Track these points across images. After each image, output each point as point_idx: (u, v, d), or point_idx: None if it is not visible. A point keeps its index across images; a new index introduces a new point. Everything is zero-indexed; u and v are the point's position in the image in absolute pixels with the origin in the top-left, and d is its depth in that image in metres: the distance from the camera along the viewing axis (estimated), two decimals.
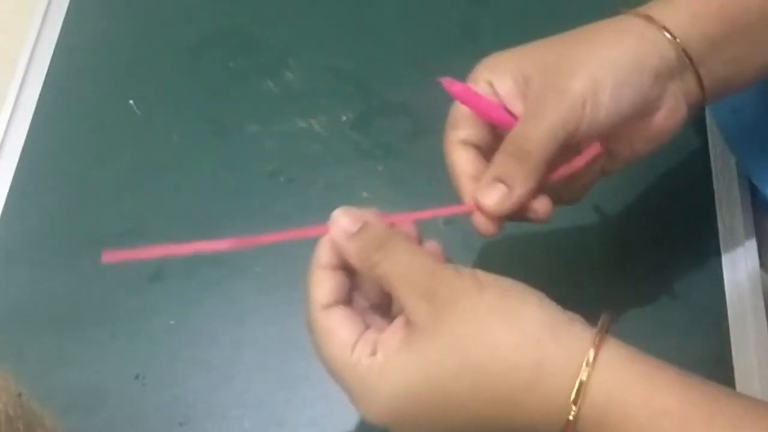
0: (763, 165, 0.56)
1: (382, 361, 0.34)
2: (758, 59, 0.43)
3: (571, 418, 0.32)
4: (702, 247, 0.57)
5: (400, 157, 0.62)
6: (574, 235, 0.58)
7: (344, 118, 0.64)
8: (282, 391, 0.53)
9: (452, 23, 0.68)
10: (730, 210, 0.59)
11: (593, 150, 0.42)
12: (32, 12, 0.71)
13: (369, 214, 0.38)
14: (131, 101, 0.66)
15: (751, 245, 0.57)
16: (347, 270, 0.38)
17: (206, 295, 0.57)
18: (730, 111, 0.58)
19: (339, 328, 0.36)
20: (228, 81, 0.66)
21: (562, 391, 0.32)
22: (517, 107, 0.42)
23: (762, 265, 0.57)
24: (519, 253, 0.57)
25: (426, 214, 0.42)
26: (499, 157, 0.41)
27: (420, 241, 0.40)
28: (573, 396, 0.32)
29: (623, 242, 0.58)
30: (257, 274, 0.57)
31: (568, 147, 0.41)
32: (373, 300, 0.39)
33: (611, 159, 0.45)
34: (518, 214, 0.42)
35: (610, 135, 0.43)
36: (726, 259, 0.56)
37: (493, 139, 0.44)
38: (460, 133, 0.44)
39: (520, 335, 0.33)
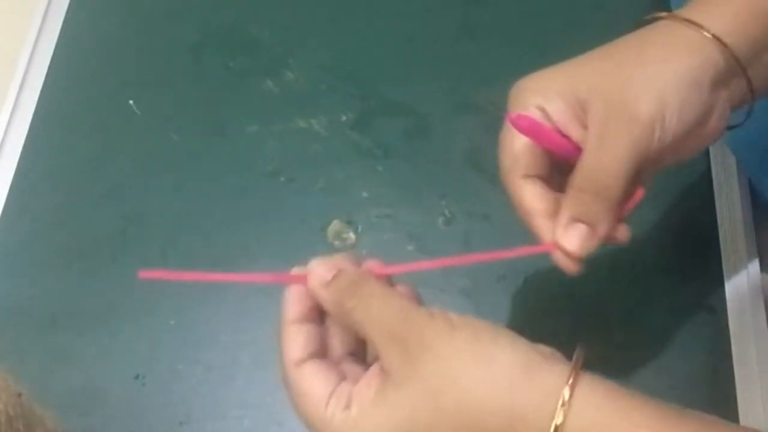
0: (763, 166, 0.56)
1: (357, 415, 0.33)
2: None
3: None
4: (702, 247, 0.57)
5: (400, 157, 0.62)
6: None
7: (344, 118, 0.64)
8: (282, 391, 0.53)
9: (452, 23, 0.68)
10: (730, 210, 0.59)
11: (639, 195, 0.41)
12: (32, 12, 0.71)
13: (344, 262, 0.37)
14: (131, 101, 0.66)
15: (752, 245, 0.57)
16: (319, 320, 0.37)
17: (206, 295, 0.57)
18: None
19: (312, 384, 0.35)
20: (228, 81, 0.66)
21: None
22: (573, 132, 0.41)
23: (762, 265, 0.57)
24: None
25: (505, 254, 0.40)
26: (576, 195, 0.40)
27: (392, 284, 0.39)
28: None
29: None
30: None
31: None
32: (349, 346, 0.38)
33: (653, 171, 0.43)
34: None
35: None
36: (726, 259, 0.56)
37: (552, 165, 0.42)
38: (523, 167, 0.41)
39: (493, 379, 0.32)
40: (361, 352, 0.38)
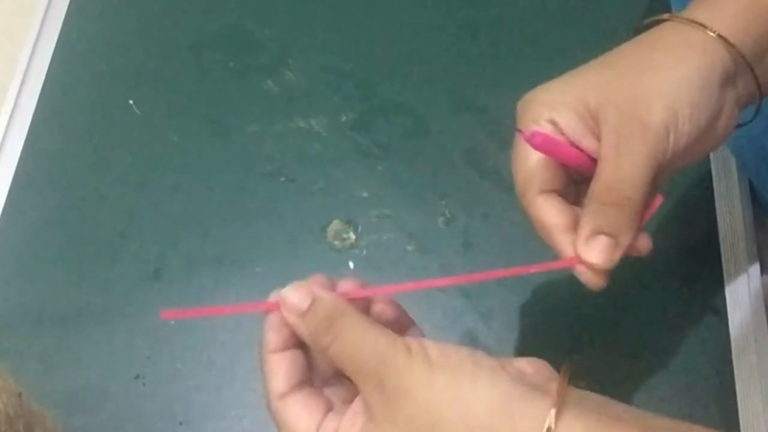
0: (763, 166, 0.56)
1: None
2: None
3: None
4: (702, 247, 0.57)
5: (400, 157, 0.62)
6: None
7: (344, 118, 0.64)
8: None
9: (452, 23, 0.68)
10: (730, 210, 0.59)
11: (657, 202, 0.41)
12: (32, 12, 0.71)
13: (318, 288, 0.35)
14: (131, 101, 0.66)
15: (752, 246, 0.57)
16: (300, 344, 0.36)
17: (206, 295, 0.57)
18: None
19: (297, 419, 0.34)
20: (228, 81, 0.66)
21: None
22: (586, 144, 0.40)
23: (762, 265, 0.57)
24: (518, 251, 0.57)
25: (524, 270, 0.39)
26: (596, 207, 0.39)
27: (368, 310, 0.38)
28: None
29: None
30: (257, 273, 0.57)
31: None
32: (331, 371, 0.37)
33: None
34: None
35: None
36: (726, 260, 0.57)
37: (567, 178, 0.42)
38: (539, 183, 0.41)
39: (471, 425, 0.31)
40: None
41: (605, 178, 0.39)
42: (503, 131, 0.62)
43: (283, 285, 0.57)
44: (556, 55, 0.65)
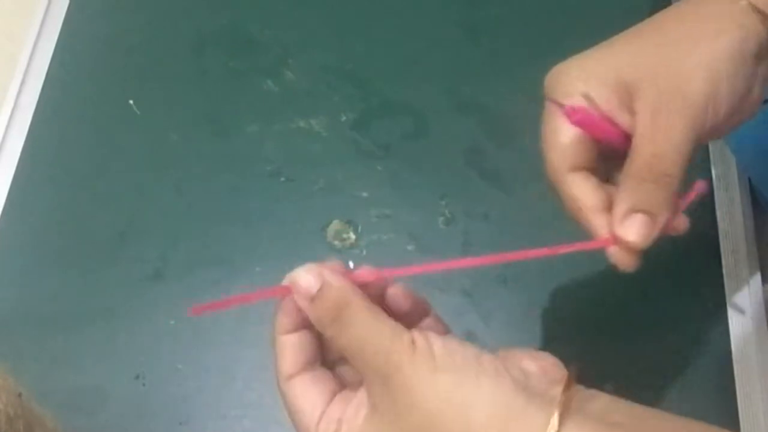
0: (763, 166, 0.56)
1: None
2: None
3: None
4: (702, 248, 0.57)
5: (400, 157, 0.62)
6: (570, 234, 0.58)
7: (344, 118, 0.64)
8: None
9: (452, 23, 0.68)
10: (730, 210, 0.59)
11: (700, 187, 0.40)
12: (32, 12, 0.71)
13: (329, 272, 0.34)
14: (131, 101, 0.66)
15: (751, 246, 0.57)
16: (312, 326, 0.35)
17: (206, 295, 0.57)
18: None
19: (303, 401, 0.34)
20: (228, 81, 0.66)
21: None
22: (620, 119, 0.39)
23: (762, 265, 0.57)
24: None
25: (560, 249, 0.38)
26: (634, 184, 0.38)
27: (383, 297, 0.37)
28: None
29: None
30: (257, 273, 0.57)
31: None
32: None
33: None
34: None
35: None
36: (726, 259, 0.56)
37: (599, 154, 0.41)
38: (571, 160, 0.40)
39: (472, 428, 0.31)
40: None
41: (643, 153, 0.38)
42: (503, 131, 0.62)
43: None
44: (557, 55, 0.65)
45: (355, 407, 0.34)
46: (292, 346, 0.35)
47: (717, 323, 0.54)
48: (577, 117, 0.38)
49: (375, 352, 0.33)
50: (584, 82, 0.39)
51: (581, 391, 0.33)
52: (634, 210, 0.38)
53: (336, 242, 0.59)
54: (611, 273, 0.56)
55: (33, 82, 0.67)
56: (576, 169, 0.40)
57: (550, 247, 0.38)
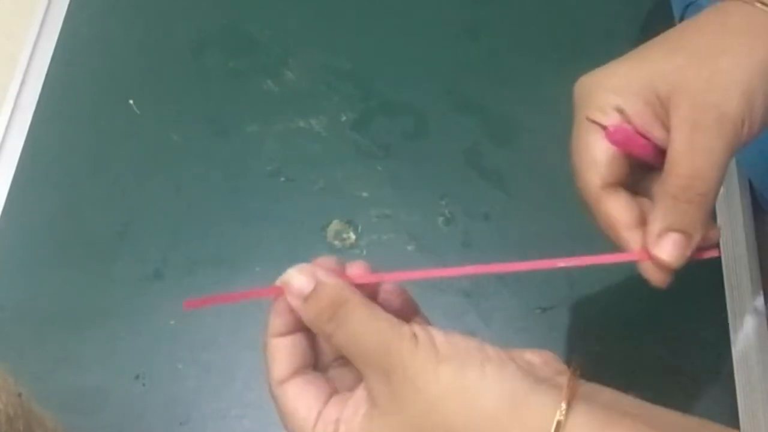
0: (763, 167, 0.56)
1: None
2: None
3: None
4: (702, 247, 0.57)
5: (400, 157, 0.62)
6: (570, 235, 0.58)
7: (344, 118, 0.64)
8: None
9: (452, 23, 0.68)
10: (730, 210, 0.59)
11: (713, 253, 0.40)
12: (32, 12, 0.71)
13: (322, 271, 0.34)
14: (131, 101, 0.66)
15: (751, 246, 0.57)
16: (304, 329, 0.35)
17: (206, 295, 0.57)
18: None
19: (297, 405, 0.34)
20: (228, 81, 0.66)
21: None
22: (655, 133, 0.39)
23: (762, 265, 0.57)
24: (518, 251, 0.57)
25: (589, 260, 0.38)
26: (670, 204, 0.38)
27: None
28: None
29: None
30: (257, 273, 0.57)
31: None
32: (336, 353, 0.36)
33: None
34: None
35: None
36: (726, 259, 0.56)
37: (631, 169, 0.40)
38: (604, 176, 0.39)
39: (478, 418, 0.30)
40: None
41: (680, 174, 0.37)
42: (503, 131, 0.62)
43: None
44: (556, 55, 0.65)
45: (353, 407, 0.33)
46: (285, 349, 0.35)
47: (717, 323, 0.54)
48: (616, 137, 0.38)
49: (375, 346, 0.32)
50: (617, 95, 0.39)
51: (586, 384, 0.33)
52: (669, 229, 0.38)
53: (336, 242, 0.59)
54: (611, 275, 0.56)
55: (33, 82, 0.67)
56: (609, 185, 0.40)
57: (578, 257, 0.38)
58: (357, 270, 0.36)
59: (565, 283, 0.56)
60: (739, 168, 0.60)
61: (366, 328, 0.33)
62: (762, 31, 0.38)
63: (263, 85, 0.66)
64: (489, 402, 0.31)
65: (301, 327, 0.35)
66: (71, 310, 0.57)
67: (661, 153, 0.38)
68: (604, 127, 0.38)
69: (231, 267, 0.58)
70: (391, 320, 0.33)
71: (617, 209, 0.39)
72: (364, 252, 0.58)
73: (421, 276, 0.37)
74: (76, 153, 0.64)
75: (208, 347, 0.55)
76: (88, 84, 0.67)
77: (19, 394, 0.36)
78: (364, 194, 0.60)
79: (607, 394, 0.33)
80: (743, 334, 0.54)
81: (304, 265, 0.34)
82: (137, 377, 0.54)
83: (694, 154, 0.37)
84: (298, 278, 0.34)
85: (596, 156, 0.39)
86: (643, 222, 0.39)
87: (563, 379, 0.32)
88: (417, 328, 0.33)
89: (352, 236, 0.59)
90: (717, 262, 0.56)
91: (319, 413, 0.33)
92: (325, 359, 0.36)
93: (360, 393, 0.33)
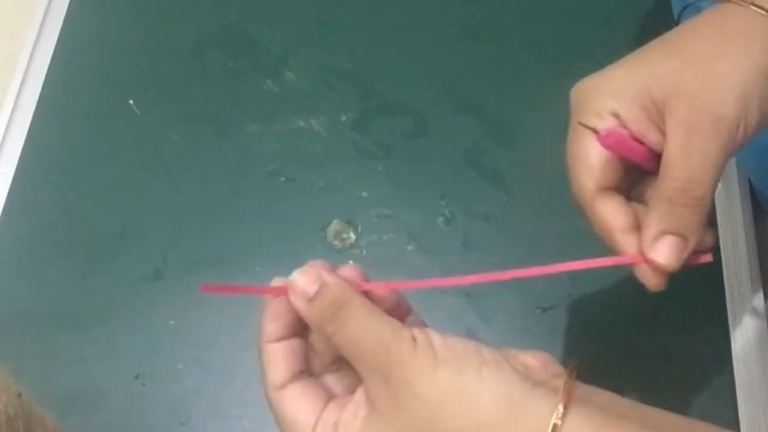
0: (763, 166, 0.56)
1: None
2: None
3: None
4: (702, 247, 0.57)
5: (400, 157, 0.62)
6: (570, 235, 0.58)
7: (344, 118, 0.64)
8: None
9: (452, 23, 0.68)
10: (730, 210, 0.59)
11: (707, 257, 0.40)
12: (32, 12, 0.71)
13: (326, 273, 0.34)
14: (131, 101, 0.66)
15: (752, 246, 0.57)
16: (301, 332, 0.35)
17: (206, 295, 0.57)
18: None
19: (296, 411, 0.34)
20: (228, 81, 0.66)
21: None
22: (650, 137, 0.39)
23: (762, 265, 0.57)
24: (518, 251, 0.57)
25: (584, 264, 0.38)
26: (666, 207, 0.38)
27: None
28: None
29: None
30: (257, 273, 0.57)
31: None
32: (333, 356, 0.36)
33: None
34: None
35: None
36: (726, 259, 0.56)
37: (625, 173, 0.40)
38: (599, 181, 0.39)
39: (475, 418, 0.31)
40: (344, 360, 0.36)
41: (676, 177, 0.37)
42: (503, 131, 0.62)
43: None
44: (556, 55, 0.65)
45: (351, 410, 0.33)
46: (281, 355, 0.35)
47: (717, 323, 0.54)
48: (609, 142, 0.38)
49: (374, 347, 0.32)
50: (613, 100, 0.39)
51: (583, 386, 0.33)
52: (665, 232, 0.38)
53: (336, 242, 0.59)
54: (611, 275, 0.56)
55: (33, 82, 0.67)
56: (604, 189, 0.40)
57: (575, 262, 0.38)
58: (349, 272, 0.36)
59: (565, 283, 0.56)
60: (739, 168, 0.60)
61: (366, 329, 0.33)
62: (759, 34, 0.38)
63: (263, 85, 0.66)
64: (486, 405, 0.31)
65: (295, 332, 0.35)
66: (71, 310, 0.57)
67: (656, 157, 0.39)
68: (595, 132, 0.38)
69: (231, 267, 0.58)
70: (392, 323, 0.33)
71: (611, 213, 0.40)
72: (364, 252, 0.58)
73: (421, 285, 0.37)
74: (76, 153, 0.64)
75: (208, 347, 0.55)
76: (88, 84, 0.67)
77: (19, 394, 0.36)
78: (364, 194, 0.60)
79: (604, 396, 0.33)
80: (743, 334, 0.54)
81: (307, 267, 0.35)
82: (137, 377, 0.54)
83: (689, 156, 0.37)
84: (302, 279, 0.34)
85: (590, 160, 0.40)
86: (637, 226, 0.40)
87: (560, 382, 0.32)
88: (416, 331, 0.33)
89: (352, 236, 0.59)
90: (717, 262, 0.56)
91: (318, 417, 0.33)
92: (318, 365, 0.36)
93: (359, 396, 0.33)
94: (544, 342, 0.55)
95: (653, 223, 0.38)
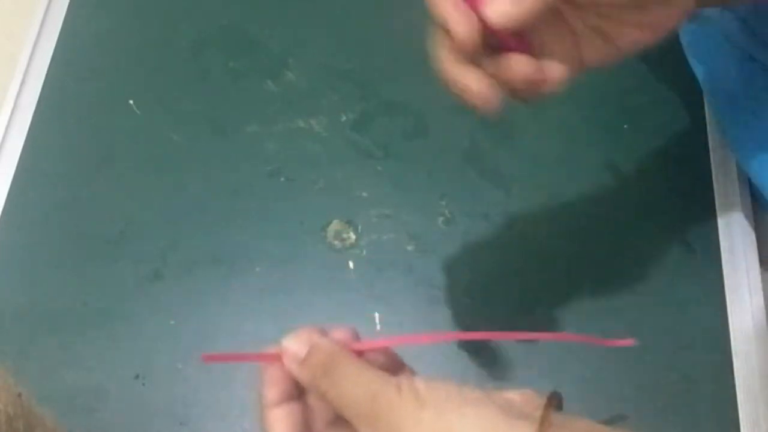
0: (763, 166, 0.56)
1: None
2: None
3: None
4: (702, 247, 0.57)
5: (399, 157, 0.62)
6: (571, 233, 0.58)
7: (344, 118, 0.64)
8: None
9: None
10: (730, 210, 0.59)
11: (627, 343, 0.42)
12: (32, 12, 0.71)
13: (315, 335, 0.37)
14: (131, 101, 0.66)
15: (752, 245, 0.57)
16: (298, 395, 0.38)
17: (206, 295, 0.57)
18: (727, 102, 0.58)
19: None
20: (228, 81, 0.66)
21: None
22: None
23: (762, 264, 0.57)
24: (518, 251, 0.57)
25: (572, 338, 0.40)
26: None
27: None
28: None
29: (622, 243, 0.58)
30: (257, 273, 0.57)
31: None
32: (330, 415, 0.38)
33: (596, 43, 0.41)
34: (531, 82, 0.39)
35: (605, 15, 0.39)
36: (726, 259, 0.57)
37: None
38: None
39: None
40: (342, 419, 0.39)
41: None
42: (503, 131, 0.62)
43: (283, 284, 0.57)
44: None
45: None
46: (281, 420, 0.37)
47: (717, 324, 0.54)
48: None
49: (363, 397, 0.34)
50: None
51: (562, 414, 0.34)
52: None
53: (336, 242, 0.59)
54: (611, 274, 0.56)
55: (33, 82, 0.67)
56: None
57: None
58: (341, 334, 0.38)
59: (565, 283, 0.56)
60: (739, 168, 0.60)
61: (355, 382, 0.35)
62: None
63: (263, 85, 0.66)
64: None
65: (293, 396, 0.37)
66: (71, 310, 0.57)
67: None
68: None
69: (231, 267, 0.58)
70: (379, 374, 0.35)
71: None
72: (364, 252, 0.58)
73: (412, 341, 0.39)
74: (75, 153, 0.64)
75: (208, 347, 0.55)
76: (88, 84, 0.67)
77: (19, 394, 0.36)
78: (364, 194, 0.60)
79: (582, 423, 0.34)
80: (743, 335, 0.54)
81: (297, 331, 0.37)
82: (137, 377, 0.54)
83: None
84: (293, 343, 0.37)
85: None
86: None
87: (540, 413, 0.33)
88: (401, 380, 0.35)
89: (352, 236, 0.59)
90: (717, 262, 0.56)
91: None
92: (319, 426, 0.38)
93: None
94: (542, 348, 0.55)
95: None
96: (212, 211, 0.60)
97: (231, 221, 0.60)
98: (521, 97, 0.41)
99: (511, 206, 0.59)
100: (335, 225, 0.59)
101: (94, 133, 0.65)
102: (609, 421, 0.50)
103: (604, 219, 0.58)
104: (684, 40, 0.61)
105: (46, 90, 0.67)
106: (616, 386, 0.52)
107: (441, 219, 0.59)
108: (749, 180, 0.59)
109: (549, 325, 0.55)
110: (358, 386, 0.35)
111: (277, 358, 0.37)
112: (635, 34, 0.40)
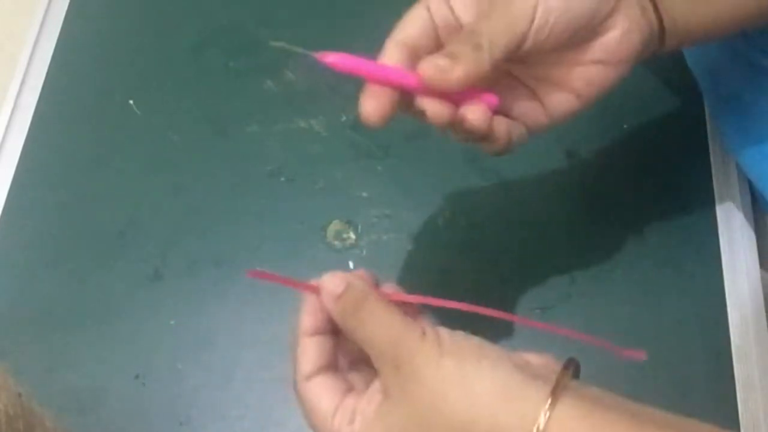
0: (763, 166, 0.56)
1: (359, 429, 0.36)
2: (717, 5, 0.42)
3: None
4: (702, 248, 0.57)
5: (399, 157, 0.62)
6: (571, 233, 0.58)
7: (344, 118, 0.64)
8: (282, 391, 0.53)
9: None
10: (730, 210, 0.59)
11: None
12: (32, 12, 0.71)
13: (355, 277, 0.39)
14: (131, 101, 0.66)
15: (751, 245, 0.57)
16: (332, 330, 0.39)
17: (206, 295, 0.57)
18: (726, 104, 0.58)
19: (320, 399, 0.38)
20: (228, 81, 0.66)
21: None
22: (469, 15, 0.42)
23: (762, 264, 0.57)
24: (518, 252, 0.57)
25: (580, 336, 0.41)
26: (451, 42, 0.41)
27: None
28: None
29: (623, 243, 0.58)
30: None
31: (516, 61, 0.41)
32: (359, 354, 0.40)
33: (556, 95, 0.43)
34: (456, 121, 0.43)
35: (551, 63, 0.42)
36: (726, 259, 0.57)
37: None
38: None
39: (474, 404, 0.34)
40: (367, 359, 0.40)
41: (465, 28, 0.41)
42: None
43: (282, 286, 0.57)
44: None
45: (367, 399, 0.37)
46: (313, 348, 0.39)
47: (717, 324, 0.54)
48: (329, 61, 0.44)
49: (388, 339, 0.36)
50: None
51: (577, 381, 0.35)
52: (442, 54, 0.41)
53: (336, 242, 0.59)
54: (611, 274, 0.56)
55: (33, 82, 0.67)
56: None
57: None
58: (390, 290, 0.40)
59: (565, 283, 0.56)
60: (739, 168, 0.60)
61: (381, 323, 0.37)
62: None
63: (263, 85, 0.66)
64: (483, 392, 0.34)
65: (327, 329, 0.39)
66: (71, 310, 0.57)
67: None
68: None
69: (231, 267, 0.58)
70: (404, 318, 0.37)
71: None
72: (364, 252, 0.58)
73: (445, 304, 0.39)
74: (76, 153, 0.64)
75: (208, 347, 0.55)
76: (88, 84, 0.67)
77: (19, 394, 0.36)
78: (364, 194, 0.60)
79: (595, 390, 0.36)
80: (743, 334, 0.54)
81: (337, 272, 0.39)
82: (137, 377, 0.54)
83: (479, 18, 0.41)
84: (331, 280, 0.38)
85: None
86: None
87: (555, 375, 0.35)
88: (426, 325, 0.37)
89: (352, 236, 0.59)
90: (717, 262, 0.56)
91: (338, 405, 0.37)
92: (344, 363, 0.40)
93: (375, 386, 0.37)
94: (544, 341, 0.54)
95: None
96: (212, 211, 0.60)
97: (231, 221, 0.60)
98: (488, 149, 0.45)
99: (511, 206, 0.59)
100: (335, 225, 0.59)
101: (94, 133, 0.65)
102: None
103: (604, 219, 0.58)
104: None
105: (46, 90, 0.67)
106: (615, 386, 0.52)
107: (441, 219, 0.59)
108: (749, 180, 0.59)
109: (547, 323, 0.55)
110: (383, 328, 0.36)
111: (317, 290, 0.39)
112: (591, 72, 0.42)
